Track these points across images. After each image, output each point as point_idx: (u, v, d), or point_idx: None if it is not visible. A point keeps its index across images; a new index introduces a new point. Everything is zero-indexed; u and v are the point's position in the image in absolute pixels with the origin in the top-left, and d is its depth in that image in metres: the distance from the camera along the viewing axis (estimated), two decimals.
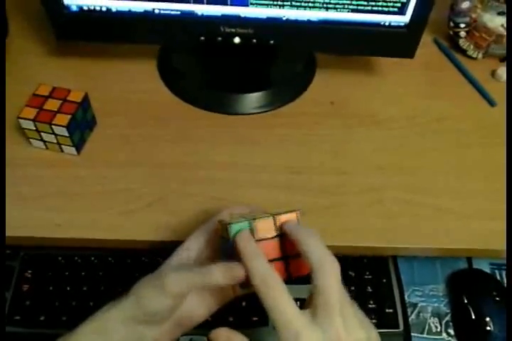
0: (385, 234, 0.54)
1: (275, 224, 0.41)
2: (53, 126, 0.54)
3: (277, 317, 0.36)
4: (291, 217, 0.42)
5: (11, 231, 0.52)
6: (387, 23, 0.58)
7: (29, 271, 0.59)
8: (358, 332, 0.37)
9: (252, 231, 0.41)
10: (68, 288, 0.58)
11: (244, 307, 0.57)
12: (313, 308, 0.37)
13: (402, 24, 0.58)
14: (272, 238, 0.41)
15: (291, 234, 0.41)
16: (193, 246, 0.45)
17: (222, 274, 0.39)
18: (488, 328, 0.57)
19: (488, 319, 0.58)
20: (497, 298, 0.59)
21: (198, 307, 0.44)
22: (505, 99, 0.65)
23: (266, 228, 0.41)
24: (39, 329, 0.56)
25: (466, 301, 0.60)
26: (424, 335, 0.59)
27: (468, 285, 0.61)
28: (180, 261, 0.44)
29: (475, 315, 0.58)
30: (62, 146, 0.58)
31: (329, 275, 0.37)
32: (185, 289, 0.40)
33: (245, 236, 0.40)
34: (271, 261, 0.40)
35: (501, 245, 0.52)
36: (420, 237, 0.55)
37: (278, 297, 0.37)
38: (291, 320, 0.36)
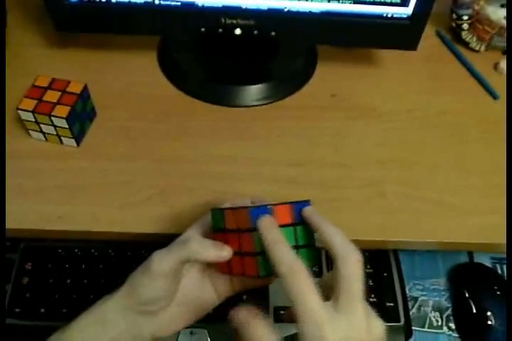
0: (385, 227, 0.54)
1: (292, 211, 0.40)
2: (53, 118, 0.54)
3: (301, 306, 0.35)
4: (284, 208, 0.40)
5: (11, 224, 0.52)
6: (389, 15, 0.57)
7: (29, 264, 0.59)
8: (377, 321, 0.37)
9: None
10: (68, 281, 0.58)
11: (244, 301, 0.57)
12: (335, 297, 0.36)
13: (405, 16, 0.57)
14: (289, 225, 0.40)
15: (312, 222, 0.39)
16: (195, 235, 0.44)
17: (207, 249, 0.40)
18: (489, 322, 0.57)
19: (489, 313, 0.58)
20: (498, 292, 0.59)
21: (197, 302, 0.43)
22: (506, 92, 0.65)
23: (283, 214, 0.39)
24: (39, 322, 0.56)
25: (467, 295, 0.60)
26: (425, 329, 0.59)
27: (470, 279, 0.61)
28: None
29: (476, 309, 0.58)
30: (62, 138, 0.57)
31: (353, 264, 0.37)
32: (171, 265, 0.40)
33: (269, 221, 0.38)
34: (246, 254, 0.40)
35: (501, 239, 0.52)
36: (421, 231, 0.54)
37: (304, 286, 0.35)
38: (315, 310, 0.35)
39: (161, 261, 0.40)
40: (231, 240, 0.40)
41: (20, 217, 0.53)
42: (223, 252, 0.40)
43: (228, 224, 0.41)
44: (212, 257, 0.40)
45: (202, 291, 0.44)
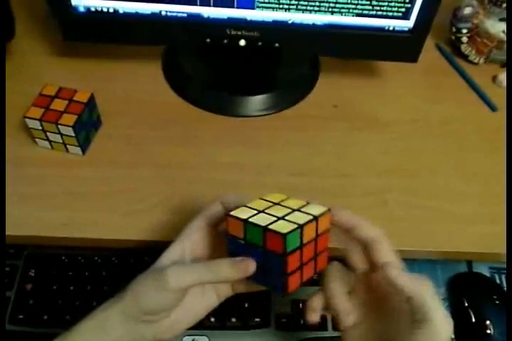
0: (387, 236, 0.55)
1: (316, 225, 0.40)
2: (59, 126, 0.55)
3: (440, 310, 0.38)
4: (327, 215, 0.41)
5: (15, 230, 0.52)
6: (391, 28, 0.58)
7: (33, 270, 0.59)
8: None
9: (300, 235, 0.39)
10: (72, 288, 0.58)
11: (246, 309, 0.57)
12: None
13: (406, 29, 0.58)
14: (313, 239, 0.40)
15: (350, 224, 0.42)
16: (187, 243, 0.43)
17: (230, 268, 0.39)
18: (488, 331, 0.57)
19: (488, 322, 0.58)
20: (497, 302, 0.59)
21: (198, 304, 0.43)
22: (506, 104, 0.66)
23: (310, 231, 0.40)
24: (42, 329, 0.55)
25: (466, 304, 0.60)
26: None
27: (469, 289, 0.62)
28: (173, 257, 0.43)
29: (475, 318, 0.59)
30: (68, 146, 0.58)
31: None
32: (188, 284, 0.40)
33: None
34: (308, 261, 0.40)
35: (501, 248, 0.53)
36: (421, 240, 0.55)
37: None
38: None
39: (179, 277, 0.39)
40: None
41: (25, 224, 0.53)
42: (250, 268, 0.40)
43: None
44: (238, 275, 0.40)
45: (203, 294, 0.44)
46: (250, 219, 0.39)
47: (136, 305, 0.40)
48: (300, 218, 0.39)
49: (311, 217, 0.39)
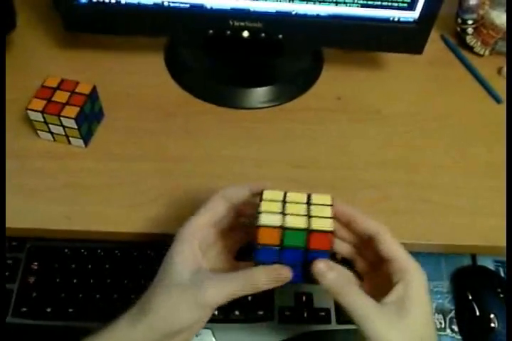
0: (389, 229, 0.54)
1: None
2: (62, 118, 0.54)
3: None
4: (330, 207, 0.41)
5: (17, 223, 0.52)
6: (396, 19, 0.58)
7: (35, 263, 0.59)
8: None
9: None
10: (75, 281, 0.58)
11: (250, 302, 0.57)
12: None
13: (412, 20, 0.58)
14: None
15: (348, 215, 0.43)
16: (195, 243, 0.41)
17: (267, 278, 0.38)
18: (492, 325, 0.57)
19: (492, 316, 0.58)
20: (501, 295, 0.59)
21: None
22: (506, 92, 0.66)
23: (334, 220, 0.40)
24: (45, 321, 0.56)
25: (470, 298, 0.60)
26: None
27: (473, 282, 0.61)
28: (189, 264, 0.40)
29: (479, 311, 0.59)
30: (70, 138, 0.58)
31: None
32: (226, 299, 0.38)
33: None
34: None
35: (505, 242, 0.52)
36: (424, 233, 0.55)
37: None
38: None
39: (218, 293, 0.38)
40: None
41: (27, 217, 0.53)
42: (289, 275, 0.39)
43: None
44: (274, 284, 0.39)
45: None
46: (287, 225, 0.39)
47: (163, 325, 0.38)
48: (322, 211, 0.40)
49: (330, 208, 0.40)
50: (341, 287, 0.38)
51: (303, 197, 0.41)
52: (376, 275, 0.43)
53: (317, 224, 0.39)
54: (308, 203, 0.41)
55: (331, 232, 0.38)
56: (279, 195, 0.42)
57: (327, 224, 0.39)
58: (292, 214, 0.40)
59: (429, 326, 0.39)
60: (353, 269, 0.44)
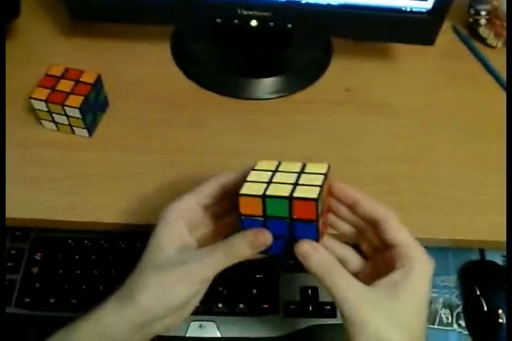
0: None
1: (327, 183, 0.39)
2: (66, 107, 0.54)
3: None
4: (329, 171, 0.39)
5: (21, 213, 0.52)
6: (408, 9, 0.56)
7: (39, 254, 0.58)
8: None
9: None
10: (78, 271, 0.58)
11: (254, 295, 0.56)
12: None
13: (424, 10, 0.56)
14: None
15: (353, 197, 0.42)
16: (181, 222, 0.41)
17: (246, 243, 0.38)
18: (500, 320, 0.57)
19: (500, 311, 0.57)
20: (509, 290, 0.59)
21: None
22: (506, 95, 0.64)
23: (325, 190, 0.38)
24: (48, 312, 0.56)
25: (478, 293, 0.59)
26: (435, 326, 0.59)
27: (481, 277, 0.61)
28: (175, 242, 0.40)
29: (487, 306, 0.58)
30: (74, 128, 0.57)
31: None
32: (215, 272, 0.38)
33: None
34: (324, 220, 0.39)
35: None
36: (432, 228, 0.54)
37: None
38: None
39: (204, 267, 0.38)
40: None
41: (31, 207, 0.53)
42: (267, 238, 0.38)
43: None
44: (256, 250, 0.38)
45: None
46: (268, 193, 0.37)
47: (159, 303, 0.38)
48: (313, 179, 0.38)
49: (322, 177, 0.38)
50: (324, 269, 0.37)
51: (296, 167, 0.40)
52: (380, 259, 0.42)
53: (300, 192, 0.36)
54: (301, 172, 0.39)
55: (315, 200, 0.35)
56: (272, 165, 0.40)
57: (311, 192, 0.36)
58: (278, 183, 0.38)
59: (419, 316, 0.38)
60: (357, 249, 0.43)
